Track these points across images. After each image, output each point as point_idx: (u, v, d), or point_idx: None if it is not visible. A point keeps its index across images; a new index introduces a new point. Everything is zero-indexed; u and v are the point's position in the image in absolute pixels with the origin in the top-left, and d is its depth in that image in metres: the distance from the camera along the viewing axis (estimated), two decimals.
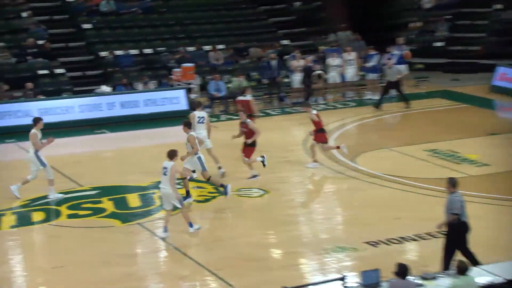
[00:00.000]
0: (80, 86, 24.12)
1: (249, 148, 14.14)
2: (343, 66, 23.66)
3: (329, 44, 27.22)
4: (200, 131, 14.27)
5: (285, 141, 16.83)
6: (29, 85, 21.90)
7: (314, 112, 15.72)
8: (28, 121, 21.25)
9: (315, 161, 15.39)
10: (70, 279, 9.62)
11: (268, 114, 21.35)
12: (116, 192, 13.32)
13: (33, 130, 13.43)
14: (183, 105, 22.43)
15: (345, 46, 25.30)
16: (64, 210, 12.61)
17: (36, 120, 13.71)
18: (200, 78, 24.31)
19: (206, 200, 13.19)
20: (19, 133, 19.14)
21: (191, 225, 11.13)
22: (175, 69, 23.53)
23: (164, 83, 24.28)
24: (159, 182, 11.30)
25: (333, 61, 23.62)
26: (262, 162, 14.38)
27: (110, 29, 26.55)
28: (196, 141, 12.58)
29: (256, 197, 13.41)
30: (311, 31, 28.66)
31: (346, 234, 11.58)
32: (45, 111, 21.01)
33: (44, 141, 13.45)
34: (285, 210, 12.65)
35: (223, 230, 11.86)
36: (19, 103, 21.32)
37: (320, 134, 15.34)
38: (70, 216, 12.24)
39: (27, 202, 13.00)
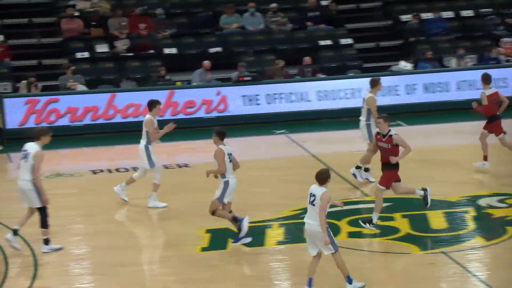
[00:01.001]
0: (371, 62, 24.74)
1: (389, 172, 12.51)
2: None
3: None
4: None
5: None
6: (307, 59, 23.07)
7: (489, 91, 15.52)
8: (305, 106, 22.39)
9: (485, 158, 15.28)
10: None
11: None
12: (413, 207, 13.23)
13: (148, 116, 14.11)
14: None
15: None
16: (344, 226, 12.84)
17: (153, 104, 14.25)
18: None
19: None
20: (291, 122, 20.65)
21: (349, 280, 10.05)
22: (505, 39, 23.05)
23: (485, 58, 23.55)
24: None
25: None
26: (424, 198, 12.49)
27: None
28: (227, 158, 11.95)
29: None
30: None
31: None
32: (324, 94, 22.19)
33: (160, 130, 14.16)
34: None
35: None
36: (293, 84, 22.54)
37: (493, 123, 15.31)
38: (351, 235, 12.42)
39: (297, 212, 13.30)
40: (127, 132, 20.53)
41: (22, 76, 22.16)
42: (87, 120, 21.34)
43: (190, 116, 21.74)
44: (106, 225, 13.57)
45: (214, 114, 21.70)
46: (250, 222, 12.51)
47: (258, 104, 21.91)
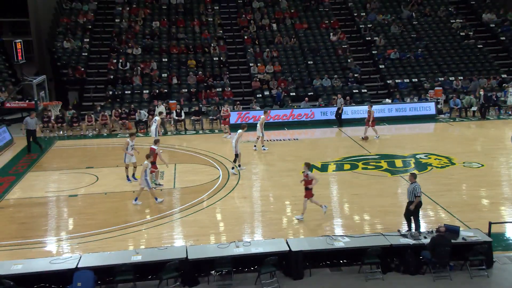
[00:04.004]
0: None
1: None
2: None
3: None
4: None
5: None
6: None
7: None
8: None
9: None
10: (362, 202, 20.92)
11: None
12: (389, 157, 25.75)
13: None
14: None
15: None
16: (360, 165, 25.38)
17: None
18: None
19: None
20: None
21: None
22: None
23: None
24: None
25: None
26: None
27: None
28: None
29: None
30: None
31: None
32: None
33: None
34: None
35: None
36: None
37: None
38: (363, 168, 24.93)
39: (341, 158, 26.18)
40: None
41: None
42: None
43: None
44: None
45: None
46: None
47: None
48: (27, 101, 37.06)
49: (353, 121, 35.73)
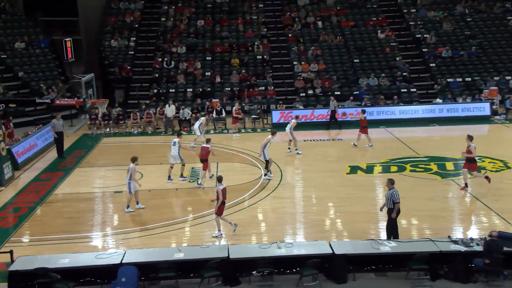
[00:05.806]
0: None
1: None
2: None
3: None
4: None
5: None
6: None
7: None
8: None
9: None
10: (409, 206, 19.82)
11: None
12: (440, 160, 25.12)
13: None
14: None
15: None
16: (408, 167, 24.76)
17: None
18: None
19: None
20: None
21: None
22: None
23: None
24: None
25: None
26: None
27: None
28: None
29: None
30: None
31: None
32: None
33: None
34: None
35: None
36: None
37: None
38: (411, 170, 24.25)
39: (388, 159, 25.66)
40: None
41: None
42: None
43: None
44: None
45: None
46: None
47: None
48: (75, 98, 37.58)
49: (400, 121, 35.19)
